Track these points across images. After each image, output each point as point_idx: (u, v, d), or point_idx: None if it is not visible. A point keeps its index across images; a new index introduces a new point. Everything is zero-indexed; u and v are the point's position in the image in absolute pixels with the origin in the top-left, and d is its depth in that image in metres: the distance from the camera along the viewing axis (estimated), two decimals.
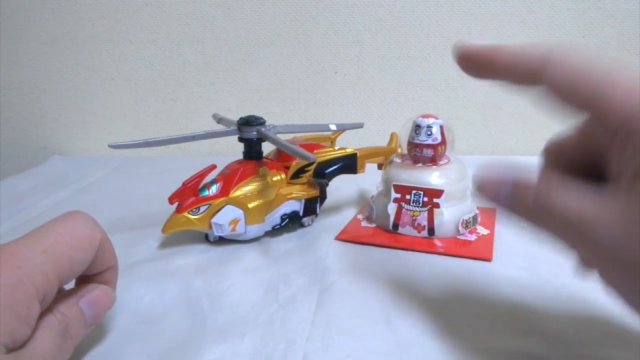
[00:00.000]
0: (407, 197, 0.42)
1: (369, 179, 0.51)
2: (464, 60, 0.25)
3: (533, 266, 0.37)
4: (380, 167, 0.51)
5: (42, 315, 0.23)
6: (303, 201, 0.44)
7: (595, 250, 0.20)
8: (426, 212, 0.42)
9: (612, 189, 0.20)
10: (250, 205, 0.41)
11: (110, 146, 0.40)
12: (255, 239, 0.43)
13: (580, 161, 0.24)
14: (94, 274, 0.27)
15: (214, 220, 0.40)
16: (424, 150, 0.43)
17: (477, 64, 0.24)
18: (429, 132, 0.42)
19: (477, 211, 0.44)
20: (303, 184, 0.45)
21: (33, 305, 0.22)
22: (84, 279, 0.28)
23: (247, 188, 0.42)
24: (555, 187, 0.21)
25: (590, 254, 0.21)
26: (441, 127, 0.43)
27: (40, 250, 0.23)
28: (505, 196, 0.23)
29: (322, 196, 0.46)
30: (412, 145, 0.43)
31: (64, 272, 0.24)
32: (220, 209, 0.40)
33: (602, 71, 0.21)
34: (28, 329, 0.22)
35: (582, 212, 0.20)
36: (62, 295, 0.26)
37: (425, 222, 0.42)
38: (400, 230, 0.43)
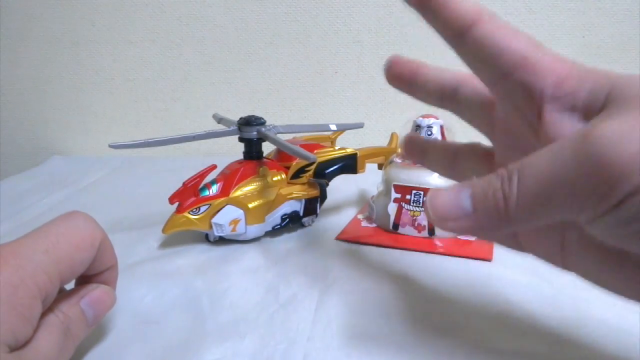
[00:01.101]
0: (407, 197, 0.42)
1: (369, 179, 0.51)
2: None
3: (533, 266, 0.37)
4: (380, 167, 0.51)
5: (44, 315, 0.23)
6: (303, 201, 0.44)
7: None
8: None
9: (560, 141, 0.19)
10: (250, 205, 0.41)
11: (111, 146, 0.40)
12: (256, 239, 0.43)
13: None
14: (94, 274, 0.27)
15: (214, 220, 0.40)
16: None
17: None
18: (429, 132, 0.43)
19: None
20: (303, 184, 0.45)
21: (35, 305, 0.22)
22: (84, 279, 0.28)
23: (248, 188, 0.42)
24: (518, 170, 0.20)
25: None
26: (441, 127, 0.43)
27: (42, 249, 0.23)
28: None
29: (322, 196, 0.46)
30: None
31: (66, 272, 0.24)
32: (221, 209, 0.40)
33: (527, 39, 0.21)
34: (30, 329, 0.22)
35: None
36: (63, 295, 0.26)
37: (425, 222, 0.42)
38: (401, 230, 0.43)
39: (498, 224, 0.20)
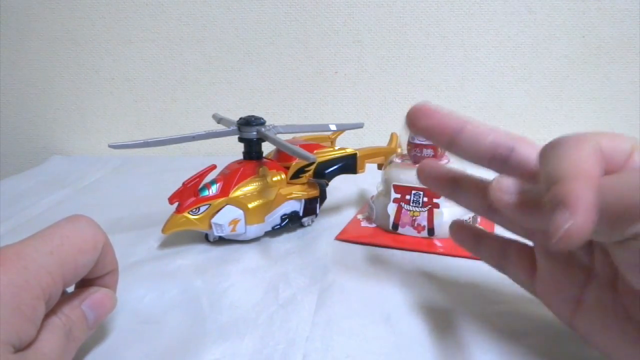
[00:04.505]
0: (407, 197, 0.42)
1: (369, 179, 0.51)
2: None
3: None
4: (380, 167, 0.51)
5: (47, 317, 0.23)
6: (303, 201, 0.44)
7: None
8: (426, 212, 0.42)
9: None
10: (250, 206, 0.41)
11: (111, 146, 0.40)
12: (255, 239, 0.43)
13: None
14: (95, 277, 0.27)
15: (214, 220, 0.40)
16: (423, 151, 0.43)
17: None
18: None
19: None
20: (303, 184, 0.45)
21: (39, 306, 0.22)
22: (85, 283, 0.28)
23: (247, 188, 0.42)
24: None
25: None
26: None
27: (47, 251, 0.23)
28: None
29: (322, 196, 0.46)
30: (412, 146, 0.43)
31: (69, 274, 0.24)
32: (220, 209, 0.40)
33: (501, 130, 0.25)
34: (34, 330, 0.22)
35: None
36: (64, 297, 0.26)
37: (425, 222, 0.42)
38: (400, 230, 0.43)
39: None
